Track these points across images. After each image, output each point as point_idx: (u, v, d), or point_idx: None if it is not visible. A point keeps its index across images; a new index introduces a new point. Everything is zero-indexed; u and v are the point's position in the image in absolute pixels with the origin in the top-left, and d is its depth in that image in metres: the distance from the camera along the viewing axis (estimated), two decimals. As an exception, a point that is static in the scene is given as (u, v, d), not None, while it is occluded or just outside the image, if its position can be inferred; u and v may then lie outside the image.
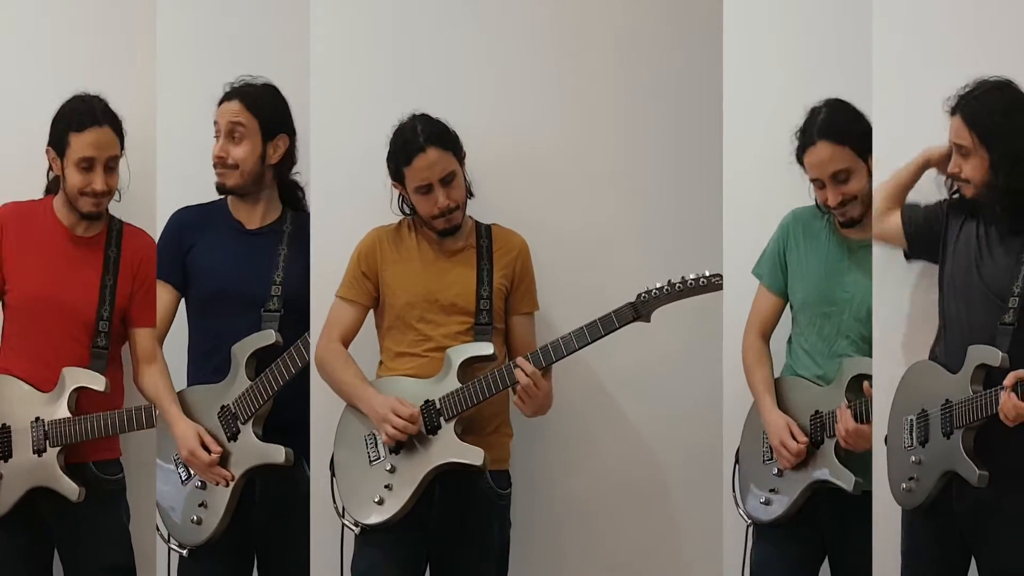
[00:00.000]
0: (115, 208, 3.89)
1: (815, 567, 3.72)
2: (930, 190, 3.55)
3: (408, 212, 3.81)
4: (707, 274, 3.60)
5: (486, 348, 3.70)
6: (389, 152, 3.74)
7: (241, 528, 3.80)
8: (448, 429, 3.66)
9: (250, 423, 3.75)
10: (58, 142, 3.78)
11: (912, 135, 3.58)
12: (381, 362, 3.79)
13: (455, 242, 3.79)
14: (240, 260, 3.83)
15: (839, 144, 3.56)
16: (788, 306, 3.77)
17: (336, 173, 3.92)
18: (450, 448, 3.65)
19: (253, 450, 3.75)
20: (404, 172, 3.72)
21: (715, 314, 3.77)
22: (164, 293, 3.86)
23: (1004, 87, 3.38)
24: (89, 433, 3.76)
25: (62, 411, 3.77)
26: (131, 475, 3.90)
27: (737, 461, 3.80)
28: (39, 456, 3.77)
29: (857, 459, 3.57)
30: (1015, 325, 3.34)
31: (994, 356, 3.32)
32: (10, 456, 3.79)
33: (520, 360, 3.65)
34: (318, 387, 3.78)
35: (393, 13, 4.00)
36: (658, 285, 3.61)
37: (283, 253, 3.82)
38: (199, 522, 3.80)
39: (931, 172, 3.53)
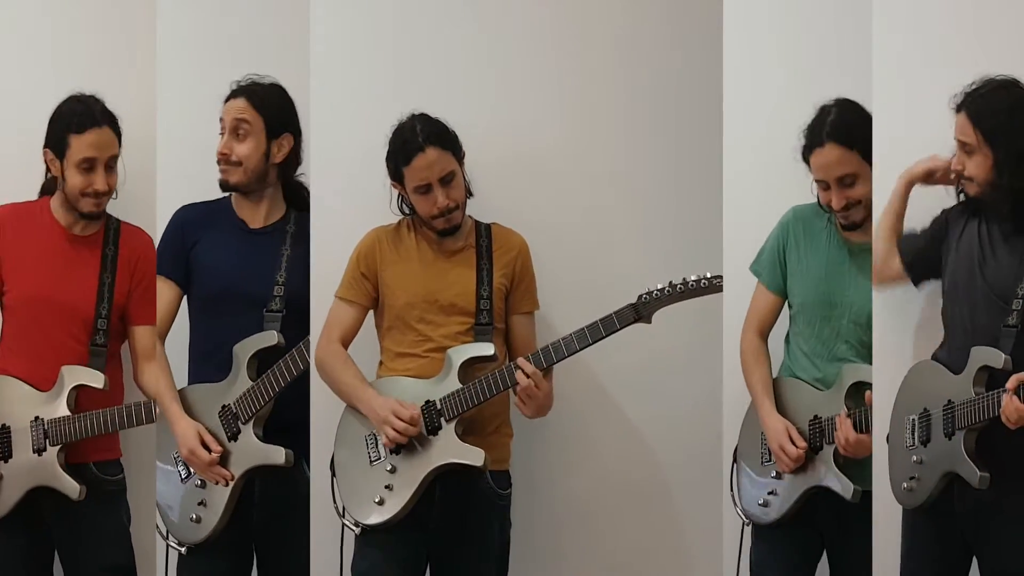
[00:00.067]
0: (115, 207, 3.87)
1: (813, 567, 3.71)
2: (933, 191, 3.54)
3: (408, 212, 3.79)
4: (708, 275, 3.59)
5: (487, 348, 3.69)
6: (388, 152, 3.73)
7: (240, 527, 3.78)
8: (449, 430, 3.65)
9: (251, 423, 3.74)
10: (57, 144, 3.77)
11: (912, 135, 3.57)
12: (381, 362, 3.78)
13: (455, 242, 3.77)
14: (243, 259, 3.82)
15: (848, 148, 3.53)
16: (786, 304, 3.75)
17: (336, 173, 3.91)
18: (450, 449, 3.64)
19: (253, 451, 3.74)
20: (403, 172, 3.71)
21: (715, 314, 3.76)
22: (167, 290, 3.85)
23: (1010, 86, 3.36)
24: (89, 430, 3.74)
25: (62, 409, 3.76)
26: (131, 475, 3.88)
27: (735, 460, 3.79)
28: (39, 455, 3.75)
29: (856, 465, 3.55)
30: (1018, 327, 3.32)
31: (997, 358, 3.31)
32: (10, 456, 3.78)
33: (521, 361, 3.64)
34: (318, 388, 3.77)
35: (393, 13, 3.99)
36: (659, 286, 3.60)
37: (286, 253, 3.80)
38: (198, 520, 3.79)
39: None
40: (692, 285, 3.60)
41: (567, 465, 3.96)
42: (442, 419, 3.66)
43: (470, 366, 3.68)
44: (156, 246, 3.88)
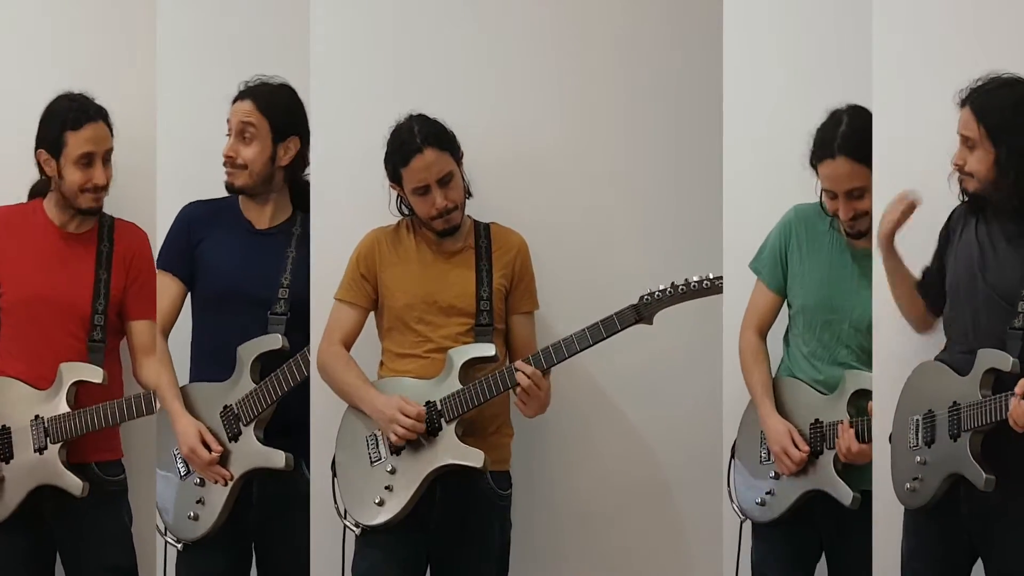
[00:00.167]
0: (114, 207, 3.86)
1: (813, 566, 3.69)
2: (933, 191, 3.53)
3: (407, 213, 3.77)
4: (710, 276, 3.57)
5: (488, 349, 3.66)
6: (386, 153, 3.70)
7: (239, 525, 3.76)
8: (449, 430, 3.63)
9: (252, 426, 3.72)
10: (53, 142, 3.76)
11: (912, 135, 3.54)
12: (382, 363, 3.76)
13: (454, 243, 3.75)
14: (247, 260, 3.79)
15: (859, 162, 3.50)
16: (785, 304, 3.72)
17: (336, 173, 3.89)
18: (451, 450, 3.62)
19: (253, 453, 3.72)
20: (401, 173, 3.68)
21: (715, 315, 3.73)
22: (171, 286, 3.83)
23: (1015, 84, 3.32)
24: (89, 426, 3.72)
25: (61, 407, 3.74)
26: (131, 475, 3.87)
27: (732, 456, 3.77)
28: (40, 454, 3.74)
29: (855, 469, 3.53)
30: None
31: (1005, 361, 3.28)
32: (11, 457, 3.76)
33: (520, 363, 3.62)
34: (318, 389, 3.74)
35: (393, 13, 3.96)
36: (660, 287, 3.58)
37: (291, 256, 3.78)
38: (195, 518, 3.77)
39: (932, 176, 3.50)
40: (694, 286, 3.58)
41: (567, 465, 3.94)
42: (442, 420, 3.63)
43: (471, 367, 3.66)
44: (157, 244, 3.86)
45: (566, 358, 3.62)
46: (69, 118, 3.75)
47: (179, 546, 3.81)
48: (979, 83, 3.34)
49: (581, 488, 3.95)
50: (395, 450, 3.66)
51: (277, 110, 3.78)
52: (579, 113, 3.95)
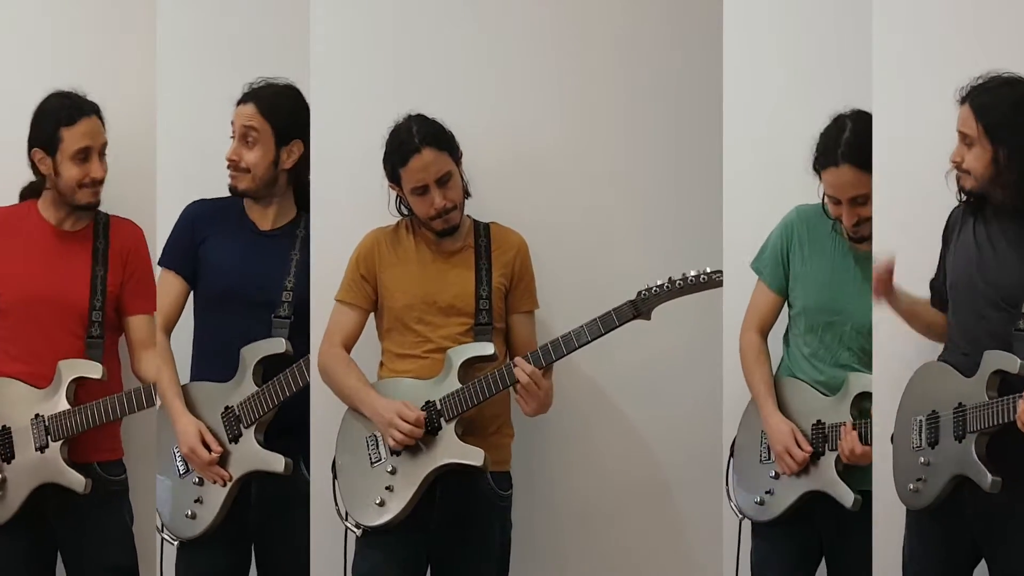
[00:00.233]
0: (115, 207, 3.86)
1: (813, 564, 3.67)
2: (933, 191, 3.50)
3: (406, 213, 3.76)
4: (708, 270, 3.56)
5: (487, 348, 3.65)
6: (385, 153, 3.69)
7: (238, 525, 3.75)
8: (449, 430, 3.61)
9: (252, 428, 3.71)
10: (48, 140, 3.76)
11: (912, 136, 3.53)
12: (382, 363, 3.74)
13: (453, 242, 3.74)
14: (250, 261, 3.78)
15: (863, 170, 3.47)
16: (786, 304, 3.71)
17: (336, 173, 3.87)
18: (451, 449, 3.60)
19: (253, 455, 3.71)
20: (400, 173, 3.66)
21: (715, 315, 3.73)
22: (175, 284, 3.82)
23: (1016, 83, 3.30)
24: (90, 421, 3.71)
25: (61, 404, 3.73)
26: (131, 475, 3.85)
27: (732, 454, 3.75)
28: (42, 453, 3.73)
29: (856, 471, 3.52)
30: None
31: (1012, 363, 3.25)
32: (12, 457, 3.75)
33: (519, 360, 3.60)
34: (318, 391, 3.73)
35: (393, 13, 3.95)
36: (659, 282, 3.57)
37: (295, 258, 3.77)
38: (193, 516, 3.76)
39: (932, 176, 3.48)
40: (691, 280, 3.57)
41: (567, 466, 3.92)
42: (442, 419, 3.62)
43: (470, 366, 3.64)
44: (157, 244, 3.86)
45: (564, 355, 3.60)
46: (63, 115, 3.74)
47: (175, 543, 3.80)
48: (979, 81, 3.32)
49: (581, 488, 3.94)
50: (395, 451, 3.64)
51: (280, 113, 3.76)
52: (579, 113, 3.93)
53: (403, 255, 3.75)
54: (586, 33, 3.93)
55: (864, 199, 3.51)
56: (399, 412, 3.62)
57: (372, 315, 3.77)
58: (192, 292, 3.85)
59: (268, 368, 3.72)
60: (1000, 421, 3.25)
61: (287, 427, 3.73)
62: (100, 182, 3.78)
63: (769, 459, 3.66)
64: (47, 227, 3.83)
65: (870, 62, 3.55)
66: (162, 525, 3.83)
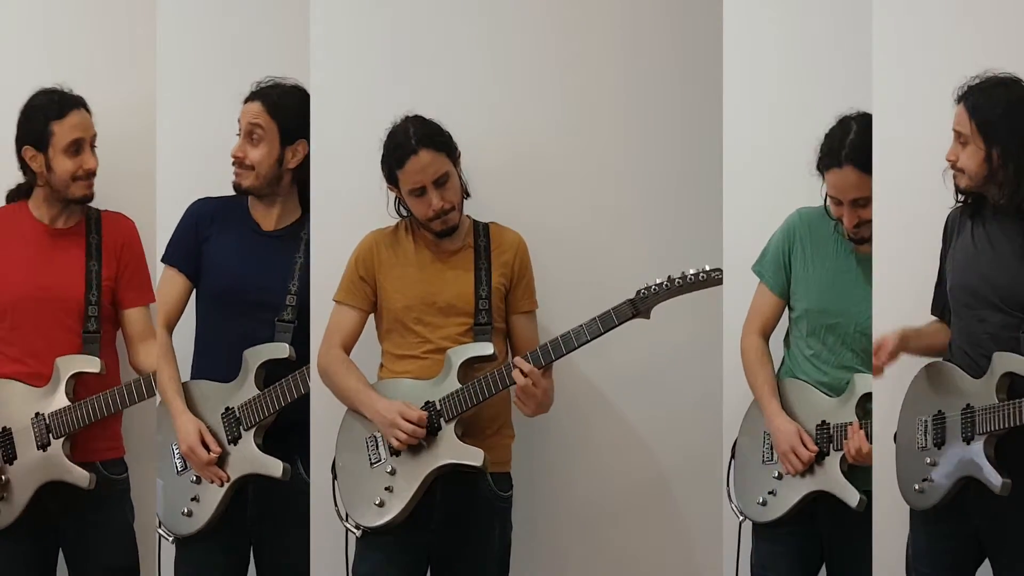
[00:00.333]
0: (115, 207, 3.86)
1: (815, 565, 3.65)
2: (933, 192, 3.49)
3: (405, 215, 3.74)
4: (707, 268, 3.54)
5: (486, 348, 3.62)
6: (382, 156, 3.67)
7: (234, 522, 3.73)
8: (448, 430, 3.59)
9: (252, 431, 3.69)
10: (38, 136, 3.75)
11: (911, 135, 3.52)
12: (382, 364, 3.72)
13: (452, 243, 3.71)
14: (252, 261, 3.76)
15: (865, 172, 3.46)
16: (787, 307, 3.69)
17: (336, 173, 3.85)
18: (450, 449, 3.58)
19: (251, 458, 3.69)
20: (397, 175, 3.64)
21: (715, 315, 3.71)
22: (177, 281, 3.80)
23: (1011, 83, 3.30)
24: (90, 416, 3.69)
25: (61, 401, 3.71)
26: (132, 475, 3.84)
27: (733, 456, 3.74)
28: (44, 451, 3.71)
29: (860, 471, 3.50)
30: None
31: (1022, 365, 3.25)
32: (15, 458, 3.73)
33: (518, 360, 3.57)
34: (318, 392, 3.70)
35: (393, 13, 3.94)
36: (658, 281, 3.55)
37: (299, 262, 3.75)
38: (190, 514, 3.74)
39: (932, 177, 3.46)
40: (691, 279, 3.55)
41: (568, 467, 3.91)
42: (442, 420, 3.60)
43: (470, 366, 3.62)
44: (156, 244, 3.86)
45: (563, 355, 3.58)
46: (52, 109, 3.73)
47: (171, 539, 3.79)
48: (975, 81, 3.31)
49: (581, 489, 3.92)
50: (395, 451, 3.62)
51: (286, 112, 3.75)
52: (579, 113, 3.92)
53: (402, 256, 3.73)
54: (586, 33, 3.92)
55: (865, 201, 3.50)
56: (401, 412, 3.60)
57: (371, 316, 3.76)
58: (195, 290, 3.83)
59: (270, 372, 3.69)
60: (1011, 424, 3.23)
61: (286, 427, 3.71)
62: (93, 174, 3.77)
63: (772, 460, 3.64)
64: (39, 226, 3.81)
65: (870, 63, 3.54)
66: (158, 522, 3.82)
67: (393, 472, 3.63)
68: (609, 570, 3.93)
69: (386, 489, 3.62)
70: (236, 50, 3.95)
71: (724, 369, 3.77)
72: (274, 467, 3.67)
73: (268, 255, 3.77)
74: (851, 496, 3.50)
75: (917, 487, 3.41)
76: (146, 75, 3.91)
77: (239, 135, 3.76)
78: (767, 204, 3.74)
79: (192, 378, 3.81)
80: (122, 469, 3.83)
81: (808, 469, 3.57)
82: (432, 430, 3.61)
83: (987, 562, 3.43)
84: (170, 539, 3.80)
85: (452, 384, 3.61)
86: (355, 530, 3.67)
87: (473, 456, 3.57)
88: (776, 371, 3.69)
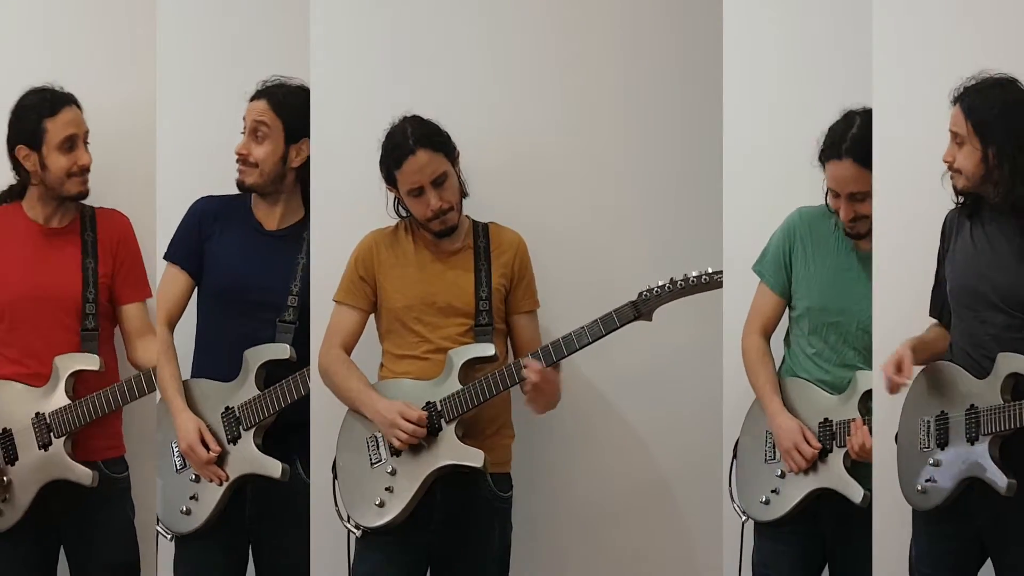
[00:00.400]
0: (115, 206, 3.86)
1: (818, 564, 3.64)
2: (934, 191, 3.48)
3: (404, 215, 3.72)
4: (709, 271, 3.53)
5: (488, 349, 3.61)
6: (381, 156, 3.65)
7: (233, 521, 3.72)
8: (449, 431, 3.57)
9: (252, 431, 3.68)
10: (31, 135, 3.75)
11: (911, 135, 3.50)
12: (382, 364, 3.71)
13: (452, 243, 3.70)
14: (254, 260, 3.75)
15: (864, 167, 3.46)
16: (788, 307, 3.68)
17: (336, 173, 3.83)
18: (451, 450, 3.56)
19: (251, 459, 3.68)
20: (396, 176, 3.63)
21: (715, 315, 3.69)
22: (180, 278, 3.79)
23: (1007, 83, 3.29)
24: (91, 414, 3.69)
25: (61, 400, 3.71)
26: (132, 473, 3.84)
27: (734, 456, 3.72)
28: (45, 450, 3.70)
29: (864, 468, 3.48)
30: None
31: None
32: (16, 459, 3.72)
33: (528, 360, 3.56)
34: (318, 392, 3.69)
35: (393, 13, 3.92)
36: (660, 283, 3.54)
37: (302, 263, 3.74)
38: (188, 513, 3.73)
39: (933, 176, 3.44)
40: (692, 281, 3.54)
41: (568, 467, 3.89)
42: (442, 420, 3.59)
43: (471, 367, 3.60)
44: (156, 244, 3.85)
45: (565, 356, 3.57)
46: (44, 107, 3.74)
47: (169, 537, 3.78)
48: (971, 82, 3.31)
49: (581, 490, 3.90)
50: (395, 451, 3.61)
51: (291, 111, 3.73)
52: (579, 113, 3.91)
53: (402, 256, 3.71)
54: (586, 33, 3.90)
55: (863, 195, 3.49)
56: (401, 412, 3.58)
57: (372, 316, 3.75)
58: (196, 288, 3.82)
59: (271, 372, 3.69)
60: (1016, 425, 3.22)
61: (286, 427, 3.70)
62: (87, 169, 3.76)
63: (774, 458, 3.62)
64: (34, 226, 3.80)
65: (870, 63, 3.53)
66: (156, 519, 3.81)
67: (393, 472, 3.62)
68: (609, 570, 3.92)
69: (386, 489, 3.61)
70: (236, 50, 3.94)
71: (724, 370, 3.75)
72: (273, 467, 3.66)
73: (270, 255, 3.76)
74: (855, 492, 3.49)
75: (920, 488, 3.39)
76: (146, 75, 3.90)
77: (243, 133, 3.75)
78: (767, 204, 3.73)
79: (192, 377, 3.80)
80: (123, 468, 3.82)
81: (811, 467, 3.56)
82: (433, 431, 3.59)
83: (988, 562, 3.42)
84: (168, 537, 3.79)
85: (453, 385, 3.59)
86: (355, 530, 3.65)
87: (474, 457, 3.56)
88: (777, 370, 3.67)
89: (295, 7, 3.85)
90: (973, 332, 3.34)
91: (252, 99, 3.75)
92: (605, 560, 3.92)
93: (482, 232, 3.74)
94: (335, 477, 3.70)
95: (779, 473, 3.61)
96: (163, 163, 3.90)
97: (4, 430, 3.74)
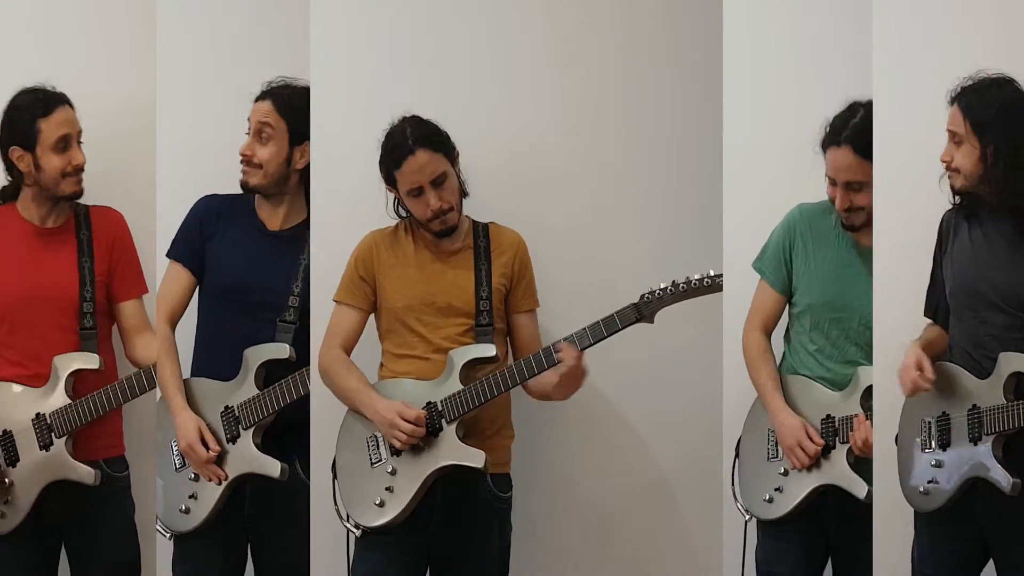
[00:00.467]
0: (115, 206, 3.85)
1: (821, 561, 3.64)
2: (931, 188, 3.47)
3: (404, 215, 3.71)
4: (711, 274, 3.51)
5: (488, 350, 3.59)
6: (380, 156, 3.64)
7: (232, 519, 3.71)
8: (450, 431, 3.56)
9: (251, 431, 3.67)
10: (25, 135, 3.73)
11: (911, 133, 3.50)
12: (382, 364, 3.70)
13: (452, 243, 3.68)
14: (256, 260, 3.73)
15: (862, 156, 3.46)
16: (788, 303, 3.67)
17: (336, 173, 3.82)
18: (451, 450, 3.55)
19: (250, 458, 3.67)
20: (395, 176, 3.62)
21: (716, 315, 3.69)
22: (182, 276, 3.78)
23: (1004, 83, 3.29)
24: (92, 412, 3.68)
25: (61, 400, 3.70)
26: (132, 472, 3.84)
27: (737, 455, 3.71)
28: (47, 451, 3.69)
29: (868, 464, 3.47)
30: None
31: None
32: (18, 460, 3.71)
33: (562, 344, 3.52)
34: (318, 391, 3.67)
35: (393, 13, 3.91)
36: (662, 286, 3.53)
37: (303, 263, 3.73)
38: (187, 511, 3.72)
39: (932, 173, 3.44)
40: (695, 284, 3.52)
41: (568, 467, 3.89)
42: (443, 420, 3.58)
43: (471, 367, 3.59)
44: (156, 244, 3.85)
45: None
46: (38, 107, 3.72)
47: (168, 535, 3.77)
48: (968, 82, 3.30)
49: (581, 490, 3.90)
50: (395, 451, 3.59)
51: (296, 113, 3.72)
52: (579, 113, 3.90)
53: (402, 256, 3.70)
54: (586, 33, 3.90)
55: (859, 185, 3.49)
56: (400, 412, 3.57)
57: (372, 316, 3.74)
58: (198, 287, 3.82)
59: (270, 372, 3.67)
60: (1020, 424, 3.21)
61: (285, 427, 3.68)
62: (82, 169, 3.74)
63: (777, 456, 3.61)
64: (29, 228, 3.79)
65: (870, 63, 3.52)
66: (155, 517, 3.80)
67: (394, 472, 3.61)
68: (609, 571, 3.91)
69: (386, 489, 3.60)
70: (236, 50, 3.93)
71: (724, 370, 3.75)
72: (272, 467, 3.65)
73: (273, 255, 3.75)
74: (859, 488, 3.48)
75: (922, 489, 3.38)
76: (146, 75, 3.89)
77: (248, 133, 3.74)
78: (767, 204, 3.72)
79: (192, 375, 3.78)
80: (124, 467, 3.82)
81: (814, 464, 3.55)
82: (433, 431, 3.58)
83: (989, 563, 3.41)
84: (167, 535, 3.78)
85: (454, 385, 3.58)
86: (355, 530, 3.64)
87: (474, 458, 3.54)
88: (777, 367, 3.67)
89: (295, 7, 3.84)
90: (973, 332, 3.32)
91: (257, 100, 3.74)
92: (605, 560, 3.91)
93: (482, 232, 3.73)
94: (335, 477, 3.68)
95: (782, 471, 3.61)
96: (163, 163, 3.88)
97: (4, 432, 3.73)
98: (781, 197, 3.71)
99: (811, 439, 3.55)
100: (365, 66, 3.93)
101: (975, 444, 3.28)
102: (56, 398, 3.72)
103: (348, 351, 3.69)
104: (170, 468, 3.77)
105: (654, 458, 3.91)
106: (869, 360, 3.52)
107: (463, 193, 3.70)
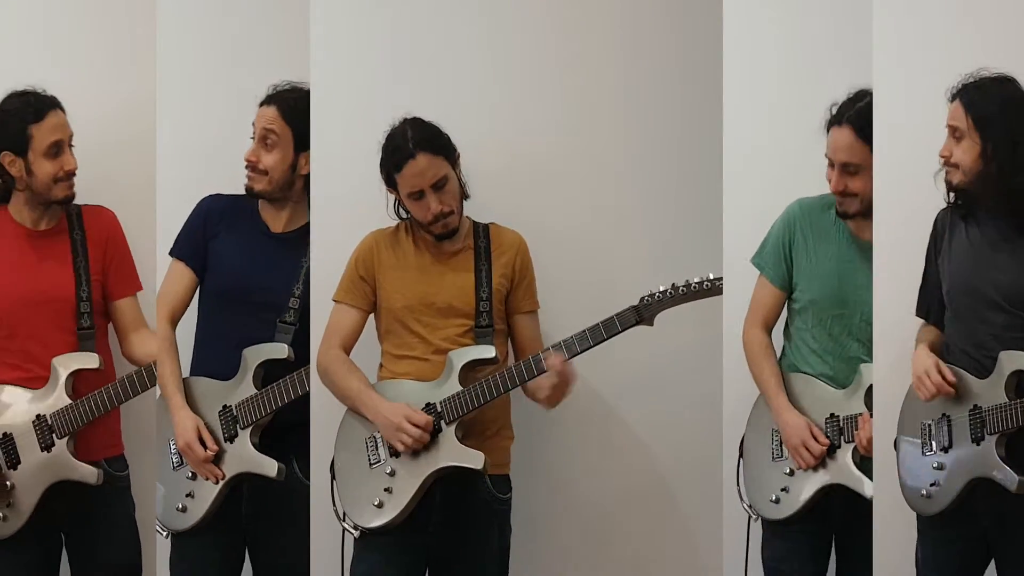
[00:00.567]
0: (115, 207, 3.84)
1: (829, 558, 3.63)
2: (931, 185, 3.44)
3: (404, 216, 3.69)
4: (711, 277, 3.50)
5: (488, 351, 3.58)
6: (381, 159, 3.62)
7: (229, 518, 3.70)
8: (449, 433, 3.54)
9: (248, 430, 3.66)
10: (16, 140, 3.70)
11: (911, 130, 3.49)
12: (381, 364, 3.68)
13: (452, 244, 3.66)
14: (258, 262, 3.72)
15: (861, 138, 3.44)
16: (788, 299, 3.65)
17: (336, 174, 3.81)
18: (451, 452, 3.53)
19: (247, 457, 3.65)
20: (396, 179, 3.60)
21: (715, 315, 3.66)
22: (184, 275, 3.76)
23: (1005, 81, 3.29)
24: (93, 412, 3.65)
25: (61, 400, 3.67)
26: (131, 471, 3.83)
27: (741, 455, 3.69)
28: (48, 452, 3.67)
29: (871, 462, 3.46)
30: None
31: None
32: (19, 462, 3.69)
33: (549, 354, 3.51)
34: (317, 392, 3.66)
35: (393, 13, 3.90)
36: (661, 288, 3.51)
37: (305, 266, 3.71)
38: (184, 510, 3.71)
39: (932, 171, 3.42)
40: (694, 287, 3.51)
41: (567, 469, 3.88)
42: (442, 422, 3.55)
43: (471, 368, 3.57)
44: (157, 244, 3.85)
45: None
46: (29, 113, 3.69)
47: (165, 534, 3.77)
48: (970, 79, 3.30)
49: (581, 491, 3.88)
50: (394, 452, 3.58)
51: (301, 118, 3.70)
52: (579, 113, 3.88)
53: (402, 257, 3.69)
54: (586, 33, 3.89)
55: (855, 168, 3.48)
56: (407, 416, 3.55)
57: (371, 316, 3.73)
58: (199, 286, 3.81)
59: (269, 372, 3.66)
60: (1022, 422, 3.20)
61: (283, 427, 3.67)
62: (74, 174, 3.72)
63: (782, 456, 3.59)
64: (22, 230, 3.77)
65: (870, 63, 3.51)
66: (155, 517, 3.79)
67: (392, 473, 3.59)
68: (609, 571, 3.90)
69: (385, 490, 3.59)
70: (236, 50, 3.92)
71: (725, 370, 3.74)
72: (269, 466, 3.64)
73: (275, 257, 3.73)
74: (865, 487, 3.47)
75: (924, 493, 3.37)
76: (146, 75, 3.88)
77: (253, 138, 3.72)
78: (767, 204, 3.70)
79: (191, 374, 3.77)
80: (123, 466, 3.80)
81: (820, 463, 3.54)
82: (432, 432, 3.58)
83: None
84: (164, 534, 3.77)
85: (453, 386, 3.56)
86: (353, 531, 3.62)
87: (473, 459, 3.53)
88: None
89: (295, 7, 3.83)
90: (973, 332, 3.31)
91: (262, 104, 3.72)
92: (605, 560, 3.90)
93: (483, 233, 3.71)
94: (333, 477, 3.67)
95: (788, 471, 3.59)
96: (163, 163, 3.87)
97: (5, 435, 3.70)
98: (781, 197, 3.69)
99: (816, 439, 3.53)
100: (365, 67, 3.92)
101: (977, 444, 3.27)
102: (56, 399, 3.69)
103: (347, 351, 3.67)
104: (167, 467, 3.77)
105: (654, 458, 3.89)
106: (871, 356, 3.51)
107: (464, 195, 3.68)
